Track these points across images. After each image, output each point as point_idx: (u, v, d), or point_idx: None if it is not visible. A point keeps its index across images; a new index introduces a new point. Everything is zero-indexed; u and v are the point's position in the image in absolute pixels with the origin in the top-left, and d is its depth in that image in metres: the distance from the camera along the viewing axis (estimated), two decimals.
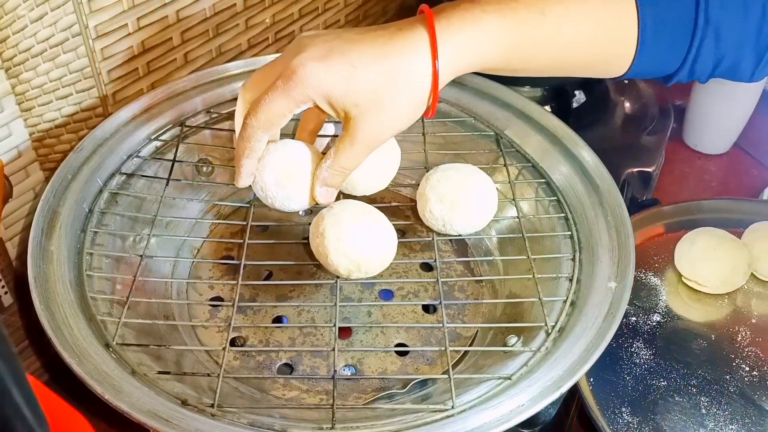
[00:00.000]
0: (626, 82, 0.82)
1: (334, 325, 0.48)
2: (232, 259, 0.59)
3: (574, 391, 0.53)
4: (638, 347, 0.56)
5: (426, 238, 0.58)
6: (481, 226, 0.55)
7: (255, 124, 0.46)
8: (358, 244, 0.49)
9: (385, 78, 0.44)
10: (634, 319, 0.58)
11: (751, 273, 0.61)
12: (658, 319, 0.58)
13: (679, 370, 0.54)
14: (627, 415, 0.51)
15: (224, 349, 0.46)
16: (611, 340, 0.55)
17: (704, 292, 0.60)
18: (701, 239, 0.61)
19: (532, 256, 0.52)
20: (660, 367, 0.54)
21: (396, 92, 0.45)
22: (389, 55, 0.44)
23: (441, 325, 0.48)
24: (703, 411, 0.52)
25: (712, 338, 0.57)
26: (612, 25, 0.46)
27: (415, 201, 0.56)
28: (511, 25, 0.45)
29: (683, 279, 0.61)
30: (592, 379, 0.53)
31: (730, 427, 0.51)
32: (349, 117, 0.46)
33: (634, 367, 0.54)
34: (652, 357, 0.55)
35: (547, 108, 0.66)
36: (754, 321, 0.58)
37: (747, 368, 0.55)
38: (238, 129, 0.49)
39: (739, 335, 0.57)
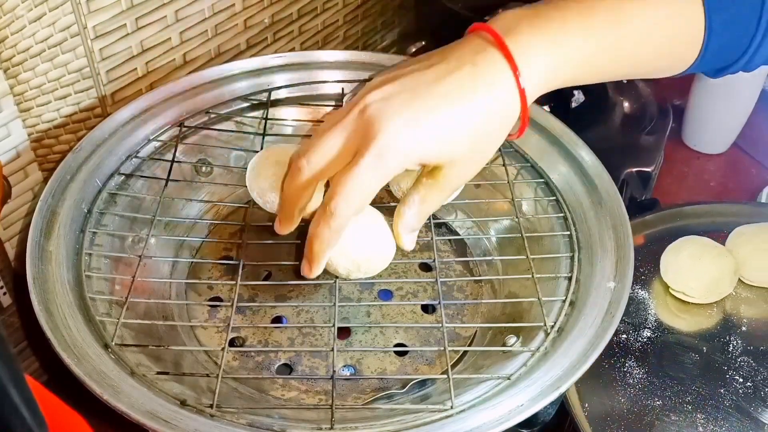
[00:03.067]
0: (625, 82, 0.82)
1: (333, 326, 0.48)
2: (231, 259, 0.59)
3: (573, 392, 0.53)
4: (631, 366, 0.55)
5: (425, 238, 0.58)
6: None
7: (348, 211, 0.43)
8: (357, 245, 0.49)
9: (479, 127, 0.43)
10: (624, 336, 0.57)
11: (738, 279, 0.61)
12: (649, 334, 0.57)
13: (673, 387, 0.54)
14: None
15: (223, 349, 0.46)
16: (603, 361, 0.55)
17: (693, 303, 0.60)
18: (686, 249, 0.60)
19: (531, 256, 0.52)
20: (654, 386, 0.54)
21: (490, 136, 0.44)
22: (480, 104, 0.42)
23: (440, 325, 0.49)
24: (700, 429, 0.51)
25: (704, 350, 0.56)
26: (682, 30, 0.46)
27: None
28: (594, 44, 0.44)
29: (670, 290, 0.61)
30: (587, 405, 0.53)
31: None
32: (439, 168, 0.44)
33: (628, 388, 0.54)
34: (645, 375, 0.54)
35: (546, 108, 0.66)
36: (744, 329, 0.58)
37: (741, 379, 0.54)
38: (289, 197, 0.46)
39: (731, 345, 0.57)
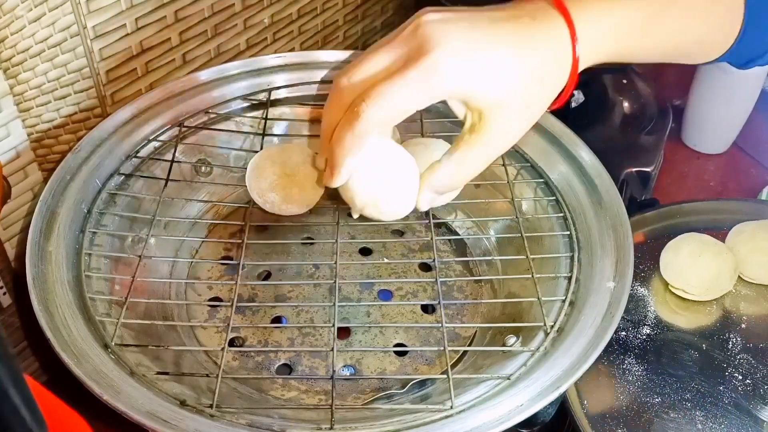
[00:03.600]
0: (625, 81, 0.82)
1: (333, 326, 0.48)
2: (231, 259, 0.59)
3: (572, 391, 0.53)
4: (630, 363, 0.55)
5: (425, 238, 0.58)
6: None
7: (375, 118, 0.39)
8: (383, 180, 0.44)
9: (532, 75, 0.41)
10: (624, 333, 0.57)
11: (738, 276, 0.61)
12: (648, 331, 0.57)
13: (672, 384, 0.54)
14: None
15: (223, 349, 0.46)
16: (602, 358, 0.55)
17: (692, 300, 0.60)
18: (685, 246, 0.60)
19: (531, 256, 0.52)
20: (653, 383, 0.54)
21: (541, 90, 0.42)
22: (536, 53, 0.40)
23: (440, 325, 0.48)
24: (699, 426, 0.51)
25: (704, 348, 0.56)
26: (723, 13, 0.46)
27: None
28: (641, 17, 0.43)
29: (670, 288, 0.61)
30: (586, 402, 0.53)
31: None
32: (485, 118, 0.41)
33: (627, 385, 0.54)
34: (644, 372, 0.54)
35: None
36: (744, 326, 0.58)
37: (740, 377, 0.54)
38: (329, 122, 0.42)
39: (730, 342, 0.57)
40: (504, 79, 0.40)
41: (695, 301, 0.60)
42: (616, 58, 0.45)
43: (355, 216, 0.46)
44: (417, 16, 0.41)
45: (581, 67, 0.43)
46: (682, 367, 0.55)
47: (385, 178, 0.44)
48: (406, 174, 0.45)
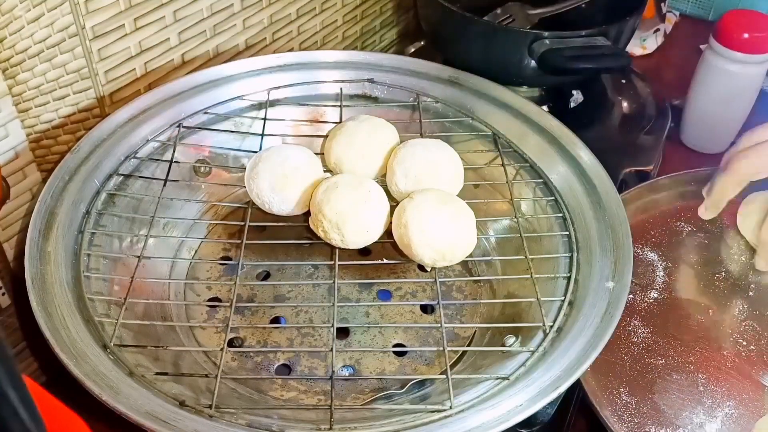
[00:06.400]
0: (624, 81, 0.82)
1: (332, 326, 0.48)
2: (230, 259, 0.59)
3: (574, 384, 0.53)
4: (636, 325, 0.56)
5: None
6: None
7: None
8: (441, 235, 0.50)
9: None
10: (631, 296, 0.57)
11: (747, 244, 0.62)
12: (656, 295, 0.58)
13: (676, 347, 0.54)
14: (625, 396, 0.51)
15: (222, 349, 0.46)
16: None
17: (700, 267, 0.60)
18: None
19: (530, 256, 0.52)
20: (658, 345, 0.54)
21: None
22: None
23: (439, 325, 0.49)
24: (701, 388, 0.52)
25: (710, 313, 0.57)
26: None
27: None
28: None
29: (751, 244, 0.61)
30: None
31: (728, 403, 0.51)
32: None
33: (632, 346, 0.54)
34: (649, 335, 0.55)
35: (545, 108, 0.66)
36: (751, 294, 0.58)
37: (744, 342, 0.55)
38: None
39: (737, 309, 0.57)
40: None
41: (703, 268, 0.60)
42: None
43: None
44: None
45: None
46: (688, 330, 0.56)
47: (444, 235, 0.50)
48: (461, 222, 0.51)
